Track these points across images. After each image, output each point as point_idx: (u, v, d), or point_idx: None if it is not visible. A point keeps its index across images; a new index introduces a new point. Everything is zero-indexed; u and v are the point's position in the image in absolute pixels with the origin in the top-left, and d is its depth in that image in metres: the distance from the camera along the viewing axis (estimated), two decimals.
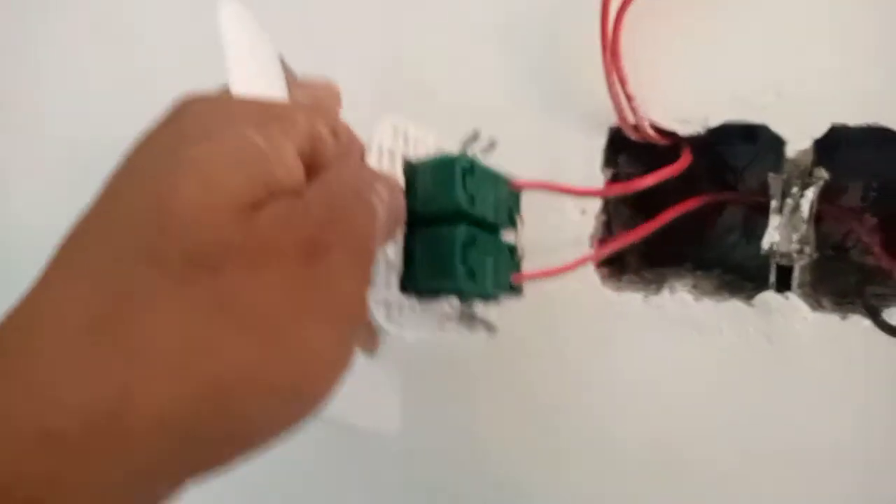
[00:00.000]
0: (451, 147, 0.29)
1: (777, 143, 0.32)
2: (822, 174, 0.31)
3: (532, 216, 0.31)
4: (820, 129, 0.31)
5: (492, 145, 0.29)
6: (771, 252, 0.32)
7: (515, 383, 0.38)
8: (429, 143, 0.28)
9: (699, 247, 0.42)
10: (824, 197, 0.32)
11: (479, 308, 0.29)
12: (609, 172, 0.36)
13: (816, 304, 0.32)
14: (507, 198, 0.29)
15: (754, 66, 0.32)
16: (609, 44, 0.33)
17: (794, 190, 0.32)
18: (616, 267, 0.39)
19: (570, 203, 0.37)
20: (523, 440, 0.38)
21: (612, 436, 0.36)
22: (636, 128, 0.34)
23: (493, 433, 0.39)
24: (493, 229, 0.29)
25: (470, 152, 0.28)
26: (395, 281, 0.26)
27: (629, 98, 0.33)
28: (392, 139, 0.27)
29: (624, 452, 0.36)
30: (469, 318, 0.29)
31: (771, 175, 0.32)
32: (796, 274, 0.32)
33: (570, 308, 0.36)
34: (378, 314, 0.26)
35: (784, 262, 0.32)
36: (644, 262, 0.42)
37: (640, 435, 0.36)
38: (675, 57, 0.34)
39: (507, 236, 0.30)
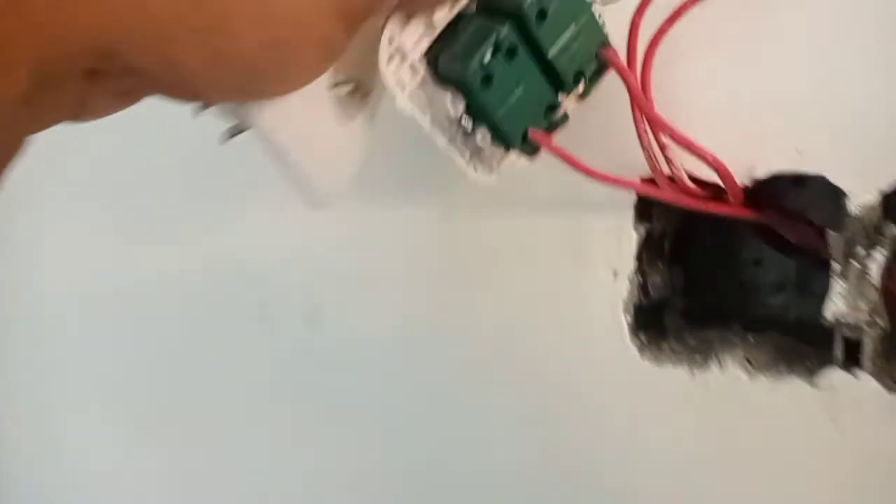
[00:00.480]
0: None
1: (836, 196, 0.28)
2: (894, 232, 0.27)
3: None
4: (888, 181, 0.27)
5: None
6: (836, 324, 0.28)
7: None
8: None
9: (747, 303, 0.38)
10: None
11: (481, 137, 0.26)
12: (642, 228, 0.32)
13: (893, 385, 0.28)
14: (587, 56, 0.26)
15: (806, 108, 0.28)
16: (637, 86, 0.29)
17: (860, 250, 0.27)
18: (655, 332, 0.35)
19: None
20: None
21: None
22: (672, 179, 0.30)
23: None
24: (549, 74, 0.26)
25: None
26: (425, 44, 0.24)
27: (662, 147, 0.29)
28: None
29: None
30: (464, 137, 0.26)
31: (831, 234, 0.28)
32: (867, 348, 0.28)
33: (600, 384, 0.32)
34: (386, 61, 0.24)
35: (852, 334, 0.28)
36: (685, 321, 0.38)
37: None
38: (714, 100, 0.30)
39: (560, 96, 0.26)
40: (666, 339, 0.35)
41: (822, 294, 0.29)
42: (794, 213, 0.34)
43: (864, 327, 0.27)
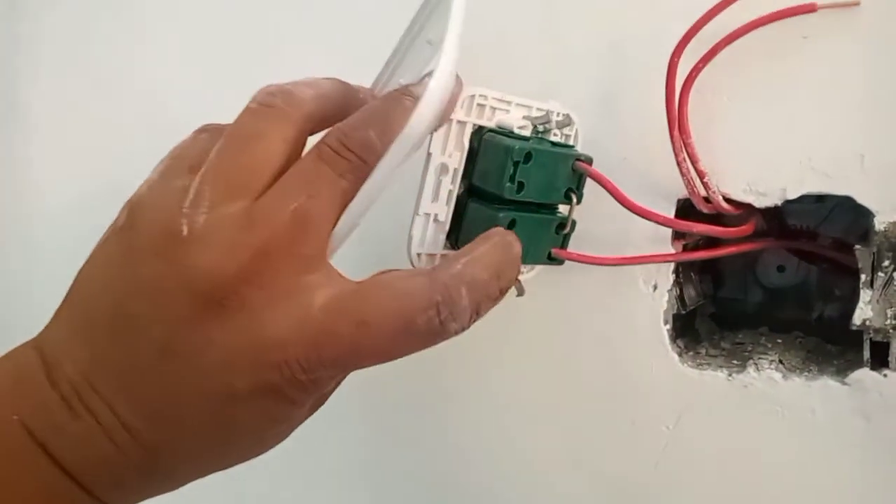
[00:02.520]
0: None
1: (864, 215, 0.30)
2: None
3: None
4: None
5: (567, 121, 0.31)
6: (864, 328, 0.31)
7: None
8: (511, 112, 0.30)
9: (771, 307, 0.41)
10: None
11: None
12: (679, 245, 0.35)
13: None
14: (568, 177, 0.30)
15: (833, 134, 0.31)
16: (676, 119, 0.31)
17: (886, 264, 0.30)
18: (690, 338, 0.38)
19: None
20: None
21: None
22: (707, 200, 0.33)
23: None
24: (546, 207, 0.31)
25: (542, 128, 0.30)
26: (441, 238, 0.29)
27: (701, 174, 0.32)
28: (465, 111, 0.28)
29: None
30: None
31: (858, 249, 0.31)
32: (894, 350, 0.31)
33: (647, 390, 0.35)
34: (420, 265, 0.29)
35: (879, 338, 0.31)
36: (715, 325, 0.41)
37: None
38: (746, 126, 0.32)
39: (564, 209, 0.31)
40: (701, 343, 0.38)
41: (846, 299, 0.32)
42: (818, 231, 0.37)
43: (891, 331, 0.30)
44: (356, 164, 0.25)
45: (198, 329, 0.23)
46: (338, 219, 0.25)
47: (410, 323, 0.23)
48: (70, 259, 0.26)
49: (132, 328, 0.23)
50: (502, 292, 0.25)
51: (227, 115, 0.26)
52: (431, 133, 0.28)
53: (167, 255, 0.23)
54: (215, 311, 0.23)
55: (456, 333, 0.24)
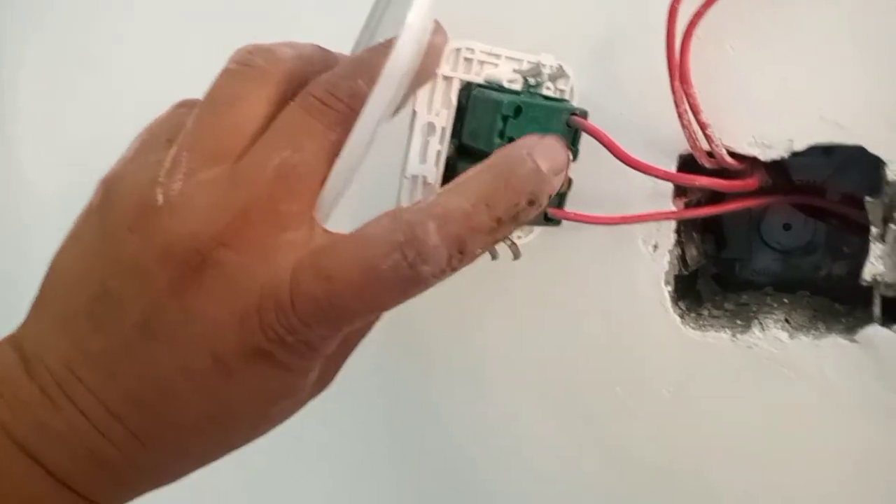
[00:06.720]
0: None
1: (874, 167, 0.29)
2: None
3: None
4: None
5: (559, 72, 0.29)
6: (874, 283, 0.29)
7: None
8: (500, 66, 0.28)
9: (776, 266, 0.39)
10: None
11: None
12: (680, 203, 0.34)
13: None
14: (563, 133, 0.28)
15: (844, 81, 0.29)
16: (677, 68, 0.30)
17: None
18: (692, 300, 0.36)
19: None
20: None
21: (705, 485, 0.34)
22: (710, 154, 0.31)
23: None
24: None
25: (533, 81, 0.29)
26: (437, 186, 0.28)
27: (703, 126, 0.30)
28: (451, 66, 0.27)
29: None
30: None
31: (869, 200, 0.29)
32: None
33: (648, 352, 0.34)
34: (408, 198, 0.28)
35: (890, 293, 0.29)
36: (718, 285, 0.40)
37: (736, 488, 0.33)
38: (751, 75, 0.31)
39: None
40: (703, 305, 0.37)
41: (855, 257, 0.30)
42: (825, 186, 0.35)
43: None
44: (346, 114, 0.23)
45: (177, 301, 0.22)
46: (326, 174, 0.23)
47: (374, 270, 0.21)
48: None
49: (112, 310, 0.22)
50: (501, 222, 0.21)
51: None
52: (416, 91, 0.26)
53: (142, 228, 0.22)
54: (194, 279, 0.22)
55: (436, 277, 0.21)
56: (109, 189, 0.23)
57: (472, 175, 0.22)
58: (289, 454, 0.42)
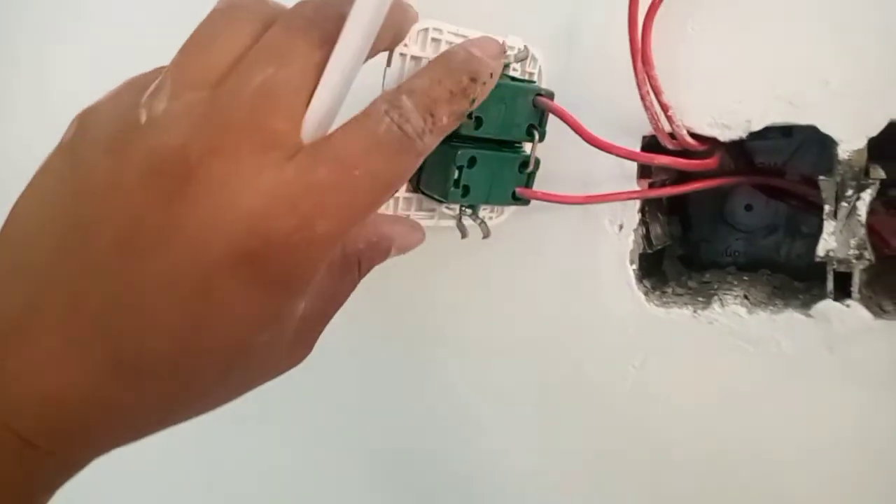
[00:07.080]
0: None
1: (829, 146, 0.30)
2: (880, 174, 0.29)
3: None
4: (876, 127, 0.29)
5: (524, 54, 0.30)
6: (828, 259, 0.30)
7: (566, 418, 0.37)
8: None
9: (740, 246, 0.41)
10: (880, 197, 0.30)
11: (482, 209, 0.32)
12: (645, 183, 0.35)
13: (879, 311, 0.31)
14: (530, 113, 0.30)
15: (797, 61, 0.30)
16: (639, 50, 0.31)
17: (850, 193, 0.30)
18: (657, 279, 0.37)
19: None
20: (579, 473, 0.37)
21: (669, 458, 0.35)
22: (673, 136, 0.32)
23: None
24: (507, 144, 0.31)
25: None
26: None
27: (665, 108, 0.31)
28: (419, 46, 0.28)
29: (682, 475, 0.34)
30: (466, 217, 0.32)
31: (822, 179, 0.30)
32: (856, 280, 0.30)
33: (613, 329, 0.35)
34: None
35: (842, 268, 0.30)
36: (683, 266, 0.41)
37: (696, 456, 0.34)
38: (710, 56, 0.32)
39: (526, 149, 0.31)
40: (668, 284, 0.38)
41: (813, 236, 0.31)
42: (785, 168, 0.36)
43: (853, 261, 0.30)
44: (331, 33, 0.22)
45: (162, 213, 0.21)
46: (313, 93, 0.23)
47: (373, 136, 0.22)
48: None
49: (82, 237, 0.21)
50: (454, 94, 0.24)
51: None
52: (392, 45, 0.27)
53: (120, 148, 0.21)
54: (181, 190, 0.21)
55: (420, 139, 0.23)
56: (84, 120, 0.23)
57: (423, 67, 0.25)
58: (261, 438, 0.43)
